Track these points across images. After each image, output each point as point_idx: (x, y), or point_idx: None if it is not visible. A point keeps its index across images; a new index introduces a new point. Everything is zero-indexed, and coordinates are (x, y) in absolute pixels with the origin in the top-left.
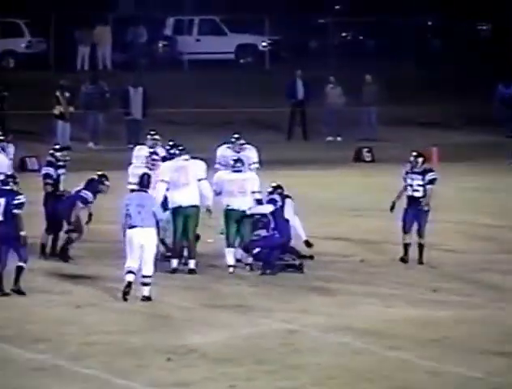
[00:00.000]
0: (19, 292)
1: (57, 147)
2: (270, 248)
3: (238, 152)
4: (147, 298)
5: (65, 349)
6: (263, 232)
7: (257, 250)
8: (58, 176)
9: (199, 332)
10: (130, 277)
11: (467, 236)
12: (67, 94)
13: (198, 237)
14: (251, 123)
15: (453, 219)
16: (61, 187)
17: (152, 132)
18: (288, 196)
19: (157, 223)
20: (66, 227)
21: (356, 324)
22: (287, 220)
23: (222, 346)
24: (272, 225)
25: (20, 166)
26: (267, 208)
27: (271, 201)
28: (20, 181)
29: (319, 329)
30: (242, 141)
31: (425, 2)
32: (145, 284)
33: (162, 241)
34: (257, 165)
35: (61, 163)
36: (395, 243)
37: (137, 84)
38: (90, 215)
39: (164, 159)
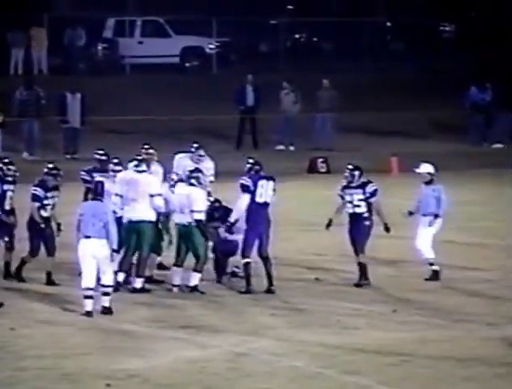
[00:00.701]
0: None
1: (6, 160)
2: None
3: (197, 163)
4: (108, 310)
5: None
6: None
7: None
8: (5, 192)
9: (142, 355)
10: (88, 304)
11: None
12: None
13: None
14: (198, 131)
15: (409, 234)
16: (8, 205)
17: (146, 146)
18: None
19: None
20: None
21: (310, 347)
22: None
23: (166, 370)
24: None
25: None
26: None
27: (245, 188)
28: None
29: (270, 352)
30: (202, 151)
31: (384, 1)
32: (105, 294)
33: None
34: (212, 178)
35: (9, 178)
36: (353, 260)
37: (75, 90)
38: (58, 225)
39: None
